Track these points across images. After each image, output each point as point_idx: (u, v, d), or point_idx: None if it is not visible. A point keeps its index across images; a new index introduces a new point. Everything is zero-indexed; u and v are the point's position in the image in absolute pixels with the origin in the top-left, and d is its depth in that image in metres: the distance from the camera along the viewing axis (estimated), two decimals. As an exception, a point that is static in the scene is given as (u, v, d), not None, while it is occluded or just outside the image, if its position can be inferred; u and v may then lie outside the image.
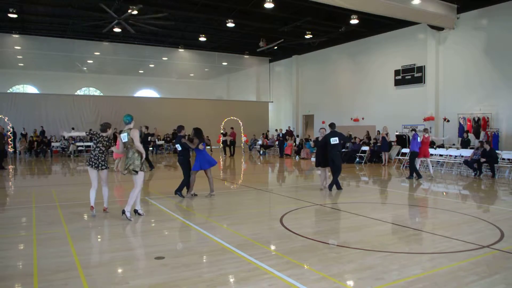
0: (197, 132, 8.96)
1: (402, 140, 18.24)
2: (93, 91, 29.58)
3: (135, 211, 7.06)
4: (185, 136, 9.18)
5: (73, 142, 22.13)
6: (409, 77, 19.90)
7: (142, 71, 29.78)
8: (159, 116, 25.79)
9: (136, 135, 6.79)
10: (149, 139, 15.45)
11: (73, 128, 23.55)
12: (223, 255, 4.97)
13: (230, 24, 20.28)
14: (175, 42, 26.28)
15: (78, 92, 28.62)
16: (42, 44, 24.05)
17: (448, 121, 17.83)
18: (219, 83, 32.40)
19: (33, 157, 21.23)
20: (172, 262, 4.69)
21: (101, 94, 29.12)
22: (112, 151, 7.15)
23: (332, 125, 10.04)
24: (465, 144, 15.87)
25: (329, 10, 17.71)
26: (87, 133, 7.46)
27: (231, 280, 4.20)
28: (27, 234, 6.04)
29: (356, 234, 5.98)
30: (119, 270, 4.51)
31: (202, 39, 24.21)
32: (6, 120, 21.47)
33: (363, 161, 17.77)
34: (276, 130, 26.00)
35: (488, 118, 16.39)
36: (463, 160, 13.97)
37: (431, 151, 14.03)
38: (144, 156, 6.92)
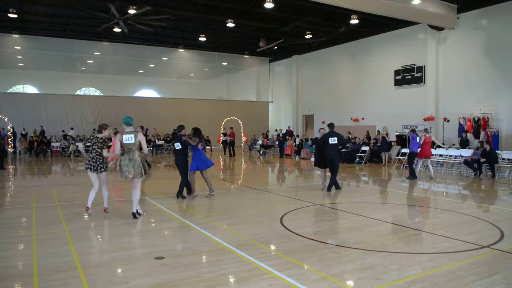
0: (196, 131, 9.04)
1: (402, 140, 18.24)
2: (93, 91, 29.57)
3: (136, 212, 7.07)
4: (185, 135, 9.20)
5: (73, 142, 22.13)
6: (409, 77, 19.91)
7: (142, 71, 29.77)
8: (159, 116, 25.80)
9: (144, 139, 6.88)
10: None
11: (72, 128, 23.57)
12: (223, 255, 4.98)
13: (230, 24, 20.28)
14: (175, 42, 26.28)
15: (78, 92, 28.61)
16: (42, 44, 24.05)
17: (448, 121, 17.83)
18: (219, 83, 32.40)
19: (33, 157, 21.23)
20: (172, 262, 4.69)
21: (101, 94, 29.11)
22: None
23: (331, 125, 10.02)
24: (464, 144, 15.89)
25: (329, 10, 17.71)
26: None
27: (231, 280, 4.20)
28: (27, 234, 6.04)
29: (356, 234, 5.98)
30: (119, 270, 4.51)
31: (202, 39, 24.21)
32: (6, 120, 21.48)
33: (363, 161, 17.77)
34: (276, 130, 26.00)
35: (488, 118, 16.39)
36: (463, 160, 13.98)
37: (431, 151, 13.99)
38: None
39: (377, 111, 21.60)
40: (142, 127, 14.90)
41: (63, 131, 23.46)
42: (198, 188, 9.54)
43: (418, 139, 12.13)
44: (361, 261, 4.71)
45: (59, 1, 18.22)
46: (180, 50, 27.94)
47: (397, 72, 20.54)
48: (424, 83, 19.17)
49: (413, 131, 12.69)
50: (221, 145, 23.22)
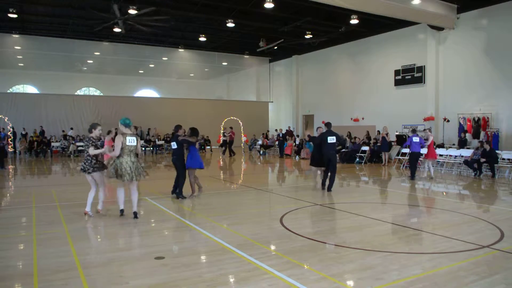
0: (193, 131, 9.10)
1: (402, 140, 18.23)
2: (93, 91, 29.58)
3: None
4: (182, 135, 9.24)
5: (73, 142, 22.13)
6: (409, 77, 19.90)
7: (142, 71, 29.78)
8: (159, 116, 25.80)
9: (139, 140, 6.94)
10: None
11: (72, 128, 23.57)
12: (223, 255, 4.97)
13: (230, 24, 20.28)
14: (175, 42, 26.28)
15: (78, 92, 28.62)
16: (42, 44, 24.05)
17: (448, 121, 17.83)
18: (219, 83, 32.40)
19: (33, 157, 21.22)
20: (172, 262, 4.69)
21: (101, 94, 29.12)
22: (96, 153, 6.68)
23: (328, 125, 9.95)
24: (462, 143, 15.90)
25: (329, 10, 17.71)
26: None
27: (231, 280, 4.20)
28: (27, 234, 6.04)
29: (356, 234, 5.98)
30: (119, 270, 4.51)
31: (202, 39, 24.21)
32: (6, 120, 21.48)
33: (363, 161, 17.76)
34: (276, 130, 26.00)
35: (488, 118, 16.39)
36: (463, 160, 13.97)
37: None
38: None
39: (377, 111, 21.60)
40: (136, 128, 14.95)
41: (63, 131, 23.45)
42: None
43: (417, 139, 12.09)
44: (361, 261, 4.71)
45: (59, 1, 18.22)
46: (180, 50, 27.94)
47: (397, 72, 20.54)
48: (424, 83, 19.17)
49: (413, 131, 12.66)
50: (220, 146, 23.18)
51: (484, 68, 16.73)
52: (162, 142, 24.93)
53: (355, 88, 23.46)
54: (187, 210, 7.98)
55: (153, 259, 4.79)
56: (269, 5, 16.50)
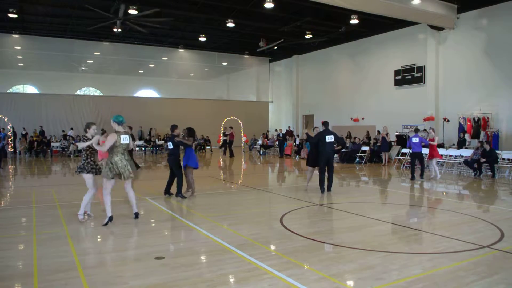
0: (190, 131, 9.12)
1: (402, 140, 18.23)
2: (93, 91, 29.57)
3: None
4: (178, 135, 9.27)
5: (73, 142, 22.13)
6: (409, 77, 19.90)
7: (142, 71, 29.77)
8: (159, 116, 25.80)
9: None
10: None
11: (72, 128, 23.57)
12: (223, 255, 4.97)
13: (230, 24, 20.28)
14: (175, 42, 26.27)
15: (78, 92, 28.61)
16: (42, 44, 24.04)
17: (448, 121, 17.84)
18: (219, 83, 32.40)
19: (33, 157, 21.22)
20: (172, 262, 4.69)
21: (101, 94, 29.11)
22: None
23: (325, 124, 9.79)
24: (461, 143, 15.90)
25: (329, 10, 17.69)
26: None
27: (231, 280, 4.20)
28: (27, 234, 6.04)
29: (356, 234, 5.98)
30: (119, 270, 4.51)
31: (202, 39, 24.21)
32: (6, 120, 21.48)
33: (363, 161, 17.77)
34: (276, 130, 26.01)
35: (488, 118, 16.39)
36: (463, 160, 13.97)
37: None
38: None
39: (377, 111, 21.60)
40: (131, 128, 14.98)
41: (63, 131, 23.45)
42: (198, 188, 9.54)
43: (417, 139, 12.06)
44: (361, 261, 4.71)
45: (59, 1, 18.21)
46: (180, 50, 27.94)
47: (397, 72, 20.53)
48: (424, 83, 19.17)
49: (416, 131, 12.59)
50: (220, 146, 23.17)
51: (484, 68, 16.73)
52: (162, 142, 24.93)
53: (355, 88, 23.46)
54: (187, 210, 7.98)
55: (153, 259, 4.78)
56: (269, 5, 16.50)
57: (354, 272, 4.37)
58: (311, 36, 22.83)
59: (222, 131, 23.80)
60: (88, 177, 6.74)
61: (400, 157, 16.26)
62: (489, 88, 16.57)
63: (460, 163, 14.28)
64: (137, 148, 25.17)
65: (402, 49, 20.50)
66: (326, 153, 9.50)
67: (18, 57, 25.46)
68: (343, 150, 18.81)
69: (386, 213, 7.73)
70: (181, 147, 9.13)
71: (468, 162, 13.44)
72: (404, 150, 16.36)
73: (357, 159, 18.02)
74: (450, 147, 16.31)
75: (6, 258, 4.91)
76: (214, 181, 12.68)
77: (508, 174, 12.86)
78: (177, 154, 9.07)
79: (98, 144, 6.69)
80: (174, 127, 9.19)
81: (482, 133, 16.32)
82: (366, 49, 22.66)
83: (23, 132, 22.38)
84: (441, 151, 15.17)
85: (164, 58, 28.36)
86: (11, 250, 5.27)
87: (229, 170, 16.66)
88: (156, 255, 4.91)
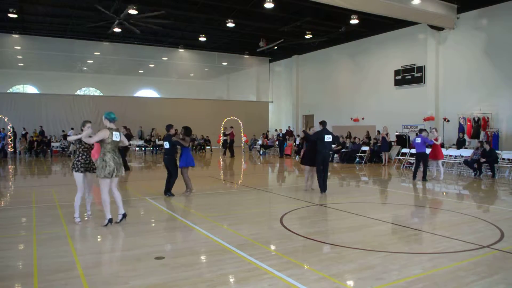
0: (187, 130, 9.15)
1: (402, 140, 18.24)
2: (93, 91, 29.57)
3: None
4: (173, 135, 9.32)
5: (73, 142, 22.10)
6: (409, 77, 19.90)
7: (142, 71, 29.77)
8: (159, 116, 25.77)
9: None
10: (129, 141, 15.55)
11: (72, 128, 23.56)
12: (223, 255, 4.97)
13: (230, 24, 20.28)
14: (175, 42, 26.27)
15: (78, 92, 28.61)
16: (42, 44, 24.04)
17: (448, 121, 17.84)
18: (219, 83, 32.40)
19: (33, 157, 21.22)
20: (172, 262, 4.69)
21: (101, 94, 29.12)
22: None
23: (323, 123, 9.74)
24: (460, 144, 15.91)
25: (329, 10, 17.69)
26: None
27: (231, 280, 4.20)
28: (27, 234, 6.04)
29: (356, 234, 5.98)
30: (119, 270, 4.51)
31: (202, 39, 24.21)
32: (6, 120, 21.48)
33: (363, 161, 17.76)
34: (276, 130, 26.00)
35: (488, 118, 16.39)
36: (463, 160, 13.97)
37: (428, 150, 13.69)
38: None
39: (377, 111, 21.60)
40: (125, 127, 15.00)
41: (63, 131, 23.45)
42: (198, 188, 9.54)
43: (419, 139, 12.04)
44: (361, 261, 4.71)
45: (59, 1, 18.21)
46: (180, 50, 27.94)
47: (397, 72, 20.53)
48: (424, 83, 19.17)
49: (420, 131, 12.54)
50: (221, 146, 23.17)
51: (484, 68, 16.73)
52: (162, 142, 24.86)
53: (355, 88, 23.46)
54: (187, 210, 7.98)
55: (153, 259, 4.78)
56: (269, 5, 16.50)
57: (354, 272, 4.37)
58: (311, 36, 22.83)
59: (222, 131, 23.80)
60: (76, 176, 6.58)
61: (400, 157, 16.26)
62: (489, 88, 16.57)
63: (460, 163, 14.28)
64: (137, 148, 25.19)
65: (402, 49, 20.50)
66: (323, 153, 9.48)
67: (18, 57, 25.46)
68: (343, 150, 18.82)
69: (386, 213, 7.73)
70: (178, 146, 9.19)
71: (468, 162, 13.44)
72: (404, 150, 16.37)
73: (357, 159, 18.02)
74: (450, 147, 16.31)
75: (6, 258, 4.91)
76: (214, 181, 12.68)
77: (508, 174, 12.86)
78: (173, 154, 9.12)
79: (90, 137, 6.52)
80: (169, 127, 9.28)
81: (482, 133, 16.32)
82: (366, 49, 22.65)
83: (23, 132, 22.38)
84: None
85: (164, 58, 28.36)
86: (11, 250, 5.27)
87: (229, 170, 16.66)
88: (156, 255, 4.91)
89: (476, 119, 16.68)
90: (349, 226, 6.57)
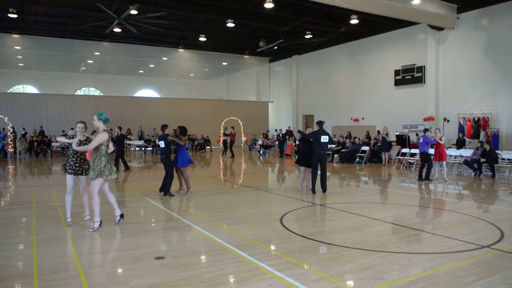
0: (183, 130, 9.22)
1: (402, 140, 18.24)
2: (93, 91, 29.55)
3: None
4: (169, 134, 9.36)
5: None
6: (409, 77, 19.90)
7: (142, 71, 29.77)
8: (159, 116, 25.71)
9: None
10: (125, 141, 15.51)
11: (72, 129, 23.54)
12: (223, 255, 4.97)
13: (230, 24, 20.29)
14: (175, 42, 26.28)
15: (78, 92, 28.59)
16: (42, 44, 24.06)
17: (448, 121, 17.84)
18: (219, 83, 32.40)
19: (33, 157, 21.22)
20: (172, 262, 4.69)
21: (101, 94, 29.11)
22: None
23: (320, 123, 9.70)
24: (460, 144, 15.91)
25: (329, 10, 17.71)
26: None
27: (231, 280, 4.20)
28: (27, 234, 6.03)
29: (356, 234, 5.98)
30: (119, 270, 4.51)
31: (202, 39, 24.21)
32: (6, 120, 21.47)
33: (363, 161, 17.76)
34: (276, 130, 25.99)
35: (488, 118, 16.39)
36: (463, 160, 13.97)
37: (432, 151, 13.67)
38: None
39: (377, 111, 21.60)
40: (120, 128, 15.01)
41: (63, 131, 23.43)
42: (198, 188, 9.54)
43: (421, 139, 12.02)
44: (361, 261, 4.71)
45: (59, 1, 18.22)
46: (180, 50, 27.94)
47: (397, 72, 20.53)
48: (424, 83, 19.17)
49: (424, 131, 12.47)
50: (221, 145, 23.17)
51: (484, 68, 16.73)
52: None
53: (355, 88, 23.46)
54: (187, 210, 7.98)
55: (153, 259, 4.78)
56: (269, 5, 16.51)
57: (354, 272, 4.37)
58: (311, 36, 22.84)
59: (222, 131, 23.80)
60: (67, 178, 6.49)
61: (400, 157, 16.26)
62: (489, 88, 16.57)
63: (460, 163, 14.28)
64: (137, 148, 25.20)
65: (402, 49, 20.51)
66: (319, 153, 9.41)
67: (18, 57, 25.47)
68: (343, 150, 18.82)
69: (386, 213, 7.73)
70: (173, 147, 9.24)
71: (468, 162, 13.44)
72: (404, 150, 16.37)
73: (357, 159, 18.02)
74: (450, 147, 16.30)
75: (6, 258, 4.91)
76: (214, 181, 12.68)
77: (508, 174, 12.86)
78: (169, 153, 9.17)
79: (81, 144, 6.35)
80: (164, 127, 9.34)
81: (482, 133, 16.32)
82: (366, 49, 22.65)
83: (23, 132, 22.37)
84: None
85: (164, 58, 28.37)
86: (11, 250, 5.27)
87: (229, 170, 16.66)
88: (156, 255, 4.91)
89: (476, 119, 16.68)
90: (349, 226, 6.57)
